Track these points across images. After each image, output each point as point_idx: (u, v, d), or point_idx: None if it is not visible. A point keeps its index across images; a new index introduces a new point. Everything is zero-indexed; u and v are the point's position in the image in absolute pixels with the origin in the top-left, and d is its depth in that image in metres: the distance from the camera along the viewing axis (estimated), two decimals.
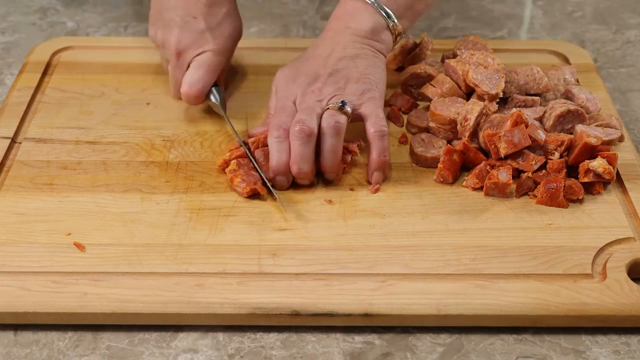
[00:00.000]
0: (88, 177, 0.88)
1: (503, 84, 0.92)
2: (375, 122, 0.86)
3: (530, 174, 0.85)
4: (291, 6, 1.26)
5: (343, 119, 0.86)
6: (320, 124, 0.85)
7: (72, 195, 0.85)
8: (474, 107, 0.90)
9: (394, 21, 0.93)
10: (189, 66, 0.95)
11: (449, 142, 0.92)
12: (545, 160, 0.86)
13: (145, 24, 1.20)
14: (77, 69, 1.05)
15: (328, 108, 0.86)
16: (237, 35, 0.99)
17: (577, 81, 1.00)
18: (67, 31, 1.19)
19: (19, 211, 0.83)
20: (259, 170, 0.86)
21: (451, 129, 0.92)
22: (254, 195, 0.84)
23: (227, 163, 0.87)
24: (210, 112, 0.98)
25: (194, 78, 0.94)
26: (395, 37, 0.95)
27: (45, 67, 1.05)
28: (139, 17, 1.22)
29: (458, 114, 0.91)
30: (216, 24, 0.96)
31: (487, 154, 0.89)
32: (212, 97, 0.96)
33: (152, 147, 0.92)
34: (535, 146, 0.87)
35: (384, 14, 0.93)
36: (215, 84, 0.97)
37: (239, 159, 0.87)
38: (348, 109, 0.86)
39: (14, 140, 0.92)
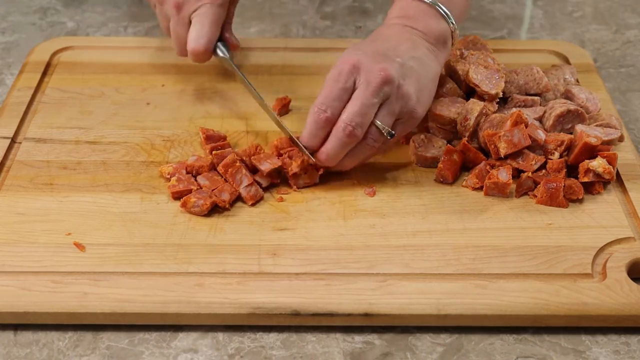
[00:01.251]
0: (88, 177, 0.88)
1: (503, 84, 0.92)
2: (385, 145, 0.85)
3: (530, 174, 0.85)
4: (291, 6, 1.26)
5: (379, 144, 0.84)
6: None
7: (72, 195, 0.85)
8: (474, 107, 0.90)
9: (453, 24, 0.89)
10: (190, 23, 0.93)
11: (449, 142, 0.92)
12: (545, 160, 0.86)
13: (145, 24, 1.20)
14: (77, 69, 1.05)
15: (377, 125, 0.82)
16: None
17: (577, 81, 1.00)
18: (67, 31, 1.19)
19: (19, 211, 0.83)
20: (292, 135, 0.86)
21: (451, 129, 0.92)
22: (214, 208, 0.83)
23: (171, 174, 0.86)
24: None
25: (197, 33, 0.92)
26: (452, 45, 0.91)
27: (45, 67, 1.05)
28: (139, 17, 1.22)
29: (458, 114, 0.91)
30: None
31: (487, 154, 0.89)
32: (219, 52, 0.95)
33: (152, 147, 0.92)
34: (535, 146, 0.87)
35: (447, 17, 0.88)
36: (221, 39, 0.95)
37: (179, 174, 0.85)
38: (390, 139, 0.84)
39: (14, 140, 0.92)
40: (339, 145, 0.82)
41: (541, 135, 0.87)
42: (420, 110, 0.86)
